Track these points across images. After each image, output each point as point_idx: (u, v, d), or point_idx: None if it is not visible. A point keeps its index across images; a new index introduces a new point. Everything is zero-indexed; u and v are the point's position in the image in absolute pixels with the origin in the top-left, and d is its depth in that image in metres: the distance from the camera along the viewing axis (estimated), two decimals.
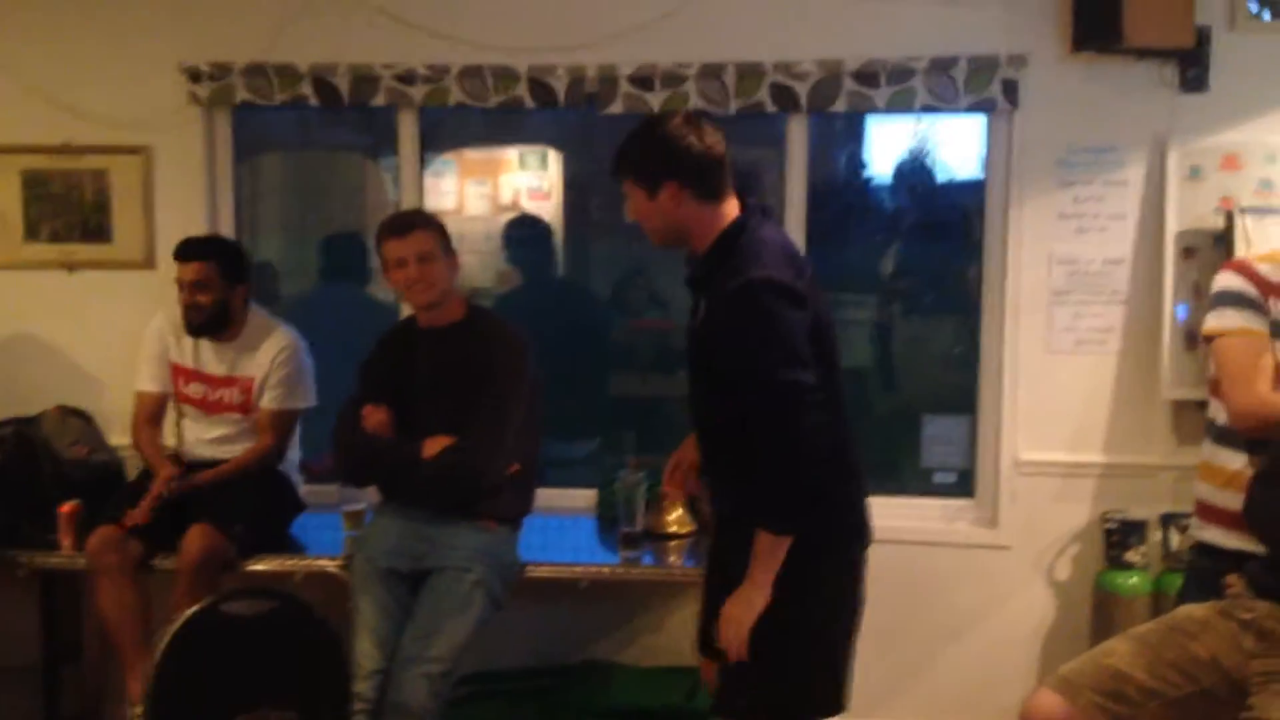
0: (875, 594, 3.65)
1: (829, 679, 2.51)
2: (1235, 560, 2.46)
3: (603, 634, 3.79)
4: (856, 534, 2.51)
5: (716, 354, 2.38)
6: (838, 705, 2.52)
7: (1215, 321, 2.59)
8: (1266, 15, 3.49)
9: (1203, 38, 3.44)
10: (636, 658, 3.76)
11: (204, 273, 3.44)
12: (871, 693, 3.72)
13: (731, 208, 2.45)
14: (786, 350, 2.27)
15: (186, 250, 3.47)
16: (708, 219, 2.42)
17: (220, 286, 3.47)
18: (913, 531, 3.73)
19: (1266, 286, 2.56)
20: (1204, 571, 2.53)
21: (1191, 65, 3.48)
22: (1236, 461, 2.53)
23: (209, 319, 3.48)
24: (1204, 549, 2.61)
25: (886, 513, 3.70)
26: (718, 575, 2.60)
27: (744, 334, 2.30)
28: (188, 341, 3.55)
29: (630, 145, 2.46)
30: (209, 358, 3.54)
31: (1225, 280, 2.62)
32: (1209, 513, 2.61)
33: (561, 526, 3.70)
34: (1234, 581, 2.32)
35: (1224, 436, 2.59)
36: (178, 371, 3.57)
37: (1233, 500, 2.48)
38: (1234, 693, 2.20)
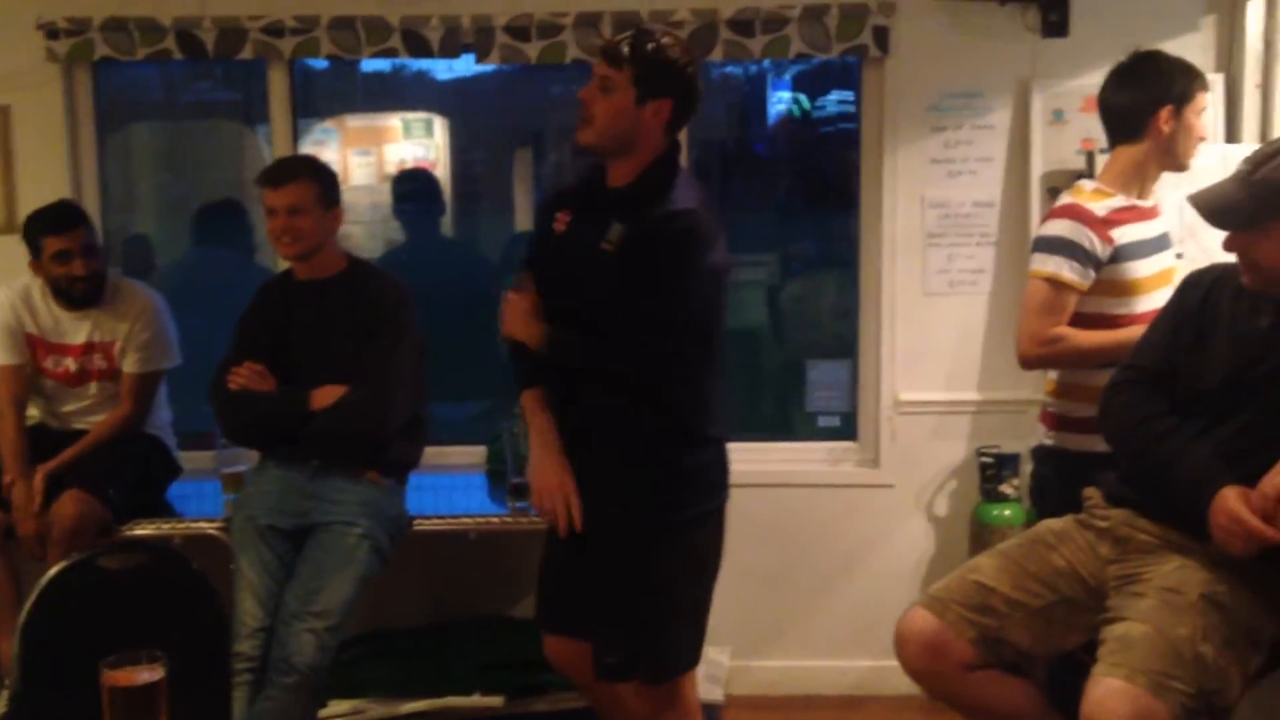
0: (764, 536, 3.76)
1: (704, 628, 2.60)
2: (1086, 462, 2.64)
3: (494, 589, 3.78)
4: (721, 489, 2.55)
5: (632, 281, 2.36)
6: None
7: (1036, 265, 2.79)
8: None
9: None
10: (529, 611, 3.74)
11: (88, 238, 3.33)
12: (764, 633, 3.82)
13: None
14: (689, 308, 2.35)
15: (64, 220, 3.31)
16: (657, 144, 2.44)
17: (100, 251, 3.37)
18: (799, 475, 3.81)
19: (1098, 224, 2.74)
20: (1063, 470, 2.75)
21: (1052, 10, 3.56)
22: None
23: (97, 286, 3.36)
24: (1055, 452, 2.86)
25: (774, 457, 3.85)
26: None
27: (667, 271, 2.33)
28: (43, 314, 3.40)
29: (648, 45, 2.38)
30: (68, 327, 3.40)
31: (1057, 227, 2.79)
32: (1068, 423, 2.82)
33: (452, 484, 3.68)
34: (1091, 493, 2.42)
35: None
36: (36, 345, 3.41)
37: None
38: (1092, 598, 2.29)
